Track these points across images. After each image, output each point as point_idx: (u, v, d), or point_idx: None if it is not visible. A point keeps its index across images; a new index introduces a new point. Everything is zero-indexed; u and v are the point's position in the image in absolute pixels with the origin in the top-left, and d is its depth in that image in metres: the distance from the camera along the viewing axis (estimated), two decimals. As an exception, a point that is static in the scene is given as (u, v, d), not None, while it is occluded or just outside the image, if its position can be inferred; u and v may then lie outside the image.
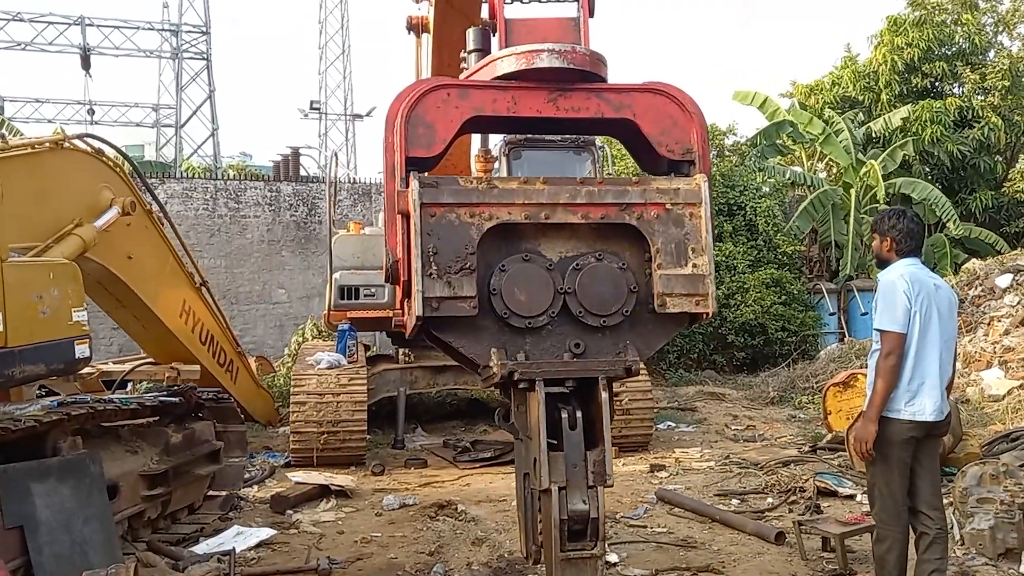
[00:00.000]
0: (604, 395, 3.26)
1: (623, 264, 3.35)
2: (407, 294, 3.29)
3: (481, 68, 3.45)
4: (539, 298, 3.24)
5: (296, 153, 21.65)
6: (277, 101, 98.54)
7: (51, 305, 4.94)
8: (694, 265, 3.31)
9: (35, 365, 4.81)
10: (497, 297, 3.24)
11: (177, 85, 30.35)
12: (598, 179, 3.42)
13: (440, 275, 3.14)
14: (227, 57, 78.39)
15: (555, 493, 3.17)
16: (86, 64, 28.53)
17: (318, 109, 36.67)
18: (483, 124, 3.64)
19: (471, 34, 3.67)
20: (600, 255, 3.33)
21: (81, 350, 5.19)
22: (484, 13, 3.71)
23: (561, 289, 3.28)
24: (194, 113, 30.03)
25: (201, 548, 5.81)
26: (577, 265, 3.30)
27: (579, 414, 3.29)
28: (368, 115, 37.16)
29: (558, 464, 3.21)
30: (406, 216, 3.20)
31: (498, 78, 3.35)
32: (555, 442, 3.26)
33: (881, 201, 16.72)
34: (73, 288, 5.22)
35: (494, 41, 3.59)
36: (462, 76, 3.61)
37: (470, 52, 3.65)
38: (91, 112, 30.67)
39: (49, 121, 30.21)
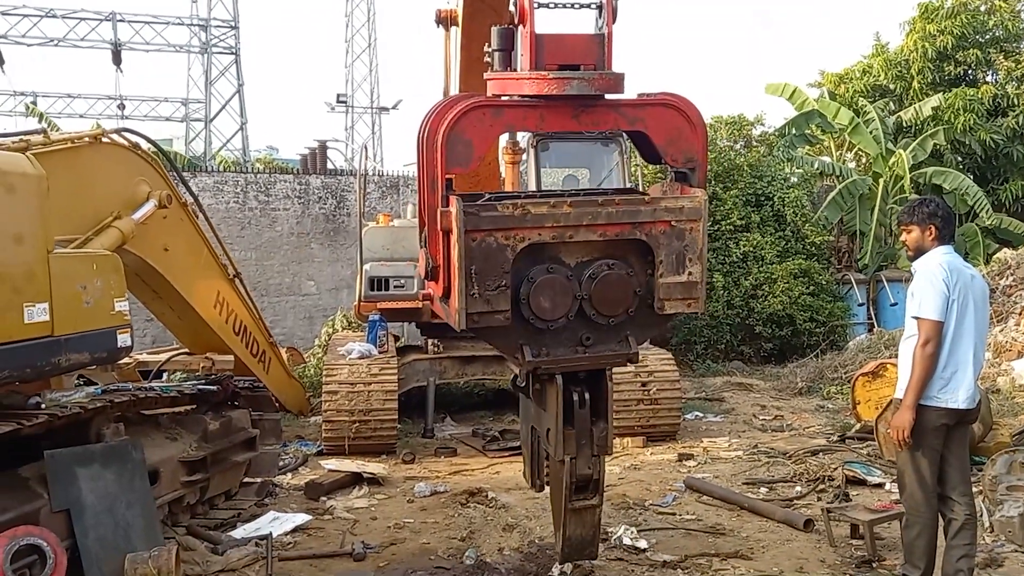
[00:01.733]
0: (610, 384, 4.04)
1: (630, 271, 3.86)
2: (445, 295, 3.80)
3: (510, 79, 3.75)
4: (560, 305, 3.77)
5: (323, 146, 21.80)
6: (304, 95, 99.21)
7: (94, 295, 5.07)
8: (689, 273, 3.86)
9: (80, 353, 4.94)
10: (525, 305, 3.73)
11: (206, 80, 30.68)
12: (616, 199, 3.85)
13: (481, 294, 3.62)
14: (255, 51, 78.92)
15: (568, 463, 4.02)
16: (117, 59, 28.86)
17: (345, 102, 36.90)
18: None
19: (495, 33, 3.89)
20: (612, 264, 3.82)
21: (123, 339, 5.32)
22: (511, 4, 3.80)
23: (578, 295, 3.80)
24: (223, 107, 30.35)
25: (239, 533, 5.96)
26: (592, 273, 3.80)
27: (587, 396, 3.96)
28: (395, 108, 37.40)
29: (571, 439, 3.97)
30: (447, 232, 3.64)
31: (527, 96, 3.68)
32: None
33: (908, 191, 16.51)
34: (115, 279, 5.35)
35: (518, 38, 3.74)
36: (487, 74, 3.89)
37: (494, 51, 3.89)
38: (121, 107, 30.98)
39: (81, 116, 30.65)
